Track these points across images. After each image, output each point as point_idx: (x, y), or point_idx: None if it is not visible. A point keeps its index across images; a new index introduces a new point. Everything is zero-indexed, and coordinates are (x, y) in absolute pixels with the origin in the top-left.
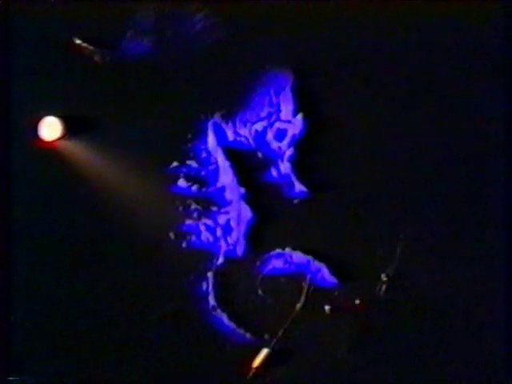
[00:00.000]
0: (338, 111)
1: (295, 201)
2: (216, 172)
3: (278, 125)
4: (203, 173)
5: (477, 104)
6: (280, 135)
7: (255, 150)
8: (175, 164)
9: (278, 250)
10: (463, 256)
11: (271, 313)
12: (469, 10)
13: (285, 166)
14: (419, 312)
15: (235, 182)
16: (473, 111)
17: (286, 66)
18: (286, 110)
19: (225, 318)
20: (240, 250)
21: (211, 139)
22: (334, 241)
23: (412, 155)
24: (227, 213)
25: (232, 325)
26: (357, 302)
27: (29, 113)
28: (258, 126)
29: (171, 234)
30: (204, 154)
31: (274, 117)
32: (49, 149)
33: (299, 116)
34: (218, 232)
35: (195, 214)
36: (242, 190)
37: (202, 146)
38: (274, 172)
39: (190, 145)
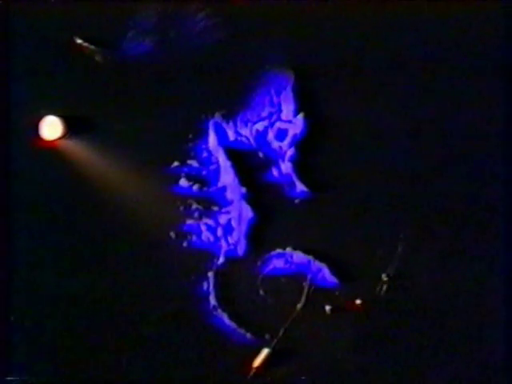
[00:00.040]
0: (339, 111)
1: (296, 201)
2: (217, 172)
3: (278, 125)
4: (204, 172)
5: (477, 104)
6: (281, 135)
7: (256, 150)
8: (176, 164)
9: (279, 250)
10: (463, 256)
11: (272, 313)
12: (469, 9)
13: (286, 166)
14: (420, 312)
15: (236, 181)
16: (473, 111)
17: (287, 66)
18: (287, 109)
19: (225, 317)
20: (241, 250)
21: (212, 139)
22: (335, 241)
23: (412, 155)
24: (228, 212)
25: (233, 325)
26: (357, 302)
27: (29, 112)
28: (259, 126)
29: (172, 234)
30: (205, 154)
31: (274, 117)
32: (49, 148)
33: (300, 116)
34: (219, 232)
35: (196, 214)
36: (243, 189)
37: (203, 146)
38: (274, 172)
39: (191, 144)
